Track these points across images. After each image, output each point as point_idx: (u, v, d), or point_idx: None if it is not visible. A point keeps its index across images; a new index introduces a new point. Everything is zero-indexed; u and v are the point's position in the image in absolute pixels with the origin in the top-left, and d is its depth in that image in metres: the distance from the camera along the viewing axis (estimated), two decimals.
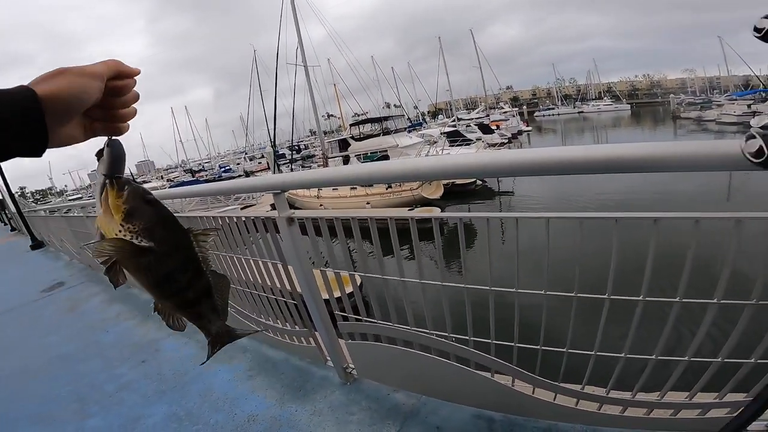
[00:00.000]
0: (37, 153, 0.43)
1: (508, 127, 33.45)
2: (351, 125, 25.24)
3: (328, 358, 1.95)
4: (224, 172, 41.78)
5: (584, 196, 13.11)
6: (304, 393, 1.87)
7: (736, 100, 31.80)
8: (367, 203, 15.16)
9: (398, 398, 1.70)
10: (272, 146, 25.16)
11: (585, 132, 45.07)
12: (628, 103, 64.15)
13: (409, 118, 33.56)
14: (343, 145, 20.55)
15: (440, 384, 1.60)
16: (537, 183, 14.90)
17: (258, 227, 1.78)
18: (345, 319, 1.73)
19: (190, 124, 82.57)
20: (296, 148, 34.56)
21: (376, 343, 1.69)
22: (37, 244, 7.68)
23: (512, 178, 16.82)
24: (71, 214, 4.56)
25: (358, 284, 1.82)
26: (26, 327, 3.64)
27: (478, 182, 16.64)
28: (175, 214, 0.72)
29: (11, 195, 9.24)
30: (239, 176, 32.55)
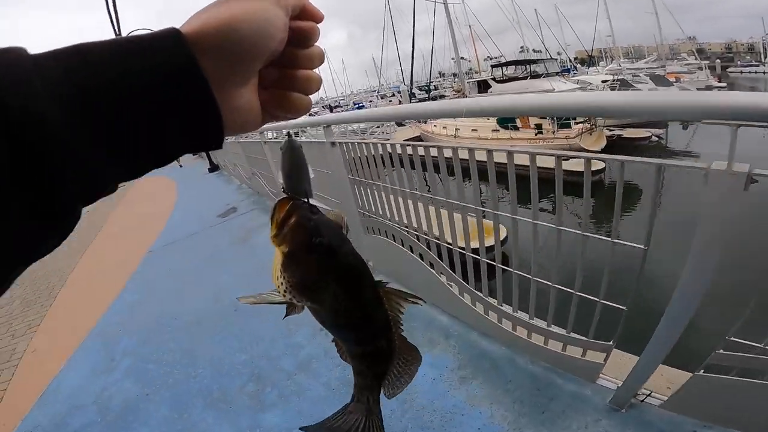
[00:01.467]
0: (207, 143, 0.26)
1: (693, 81, 27.18)
2: (493, 66, 23.91)
3: None
4: (358, 108, 43.03)
5: None
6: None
7: None
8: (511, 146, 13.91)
9: None
10: (410, 82, 25.20)
11: None
12: None
13: (561, 63, 30.02)
14: (483, 86, 19.13)
15: None
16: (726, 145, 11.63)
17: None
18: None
19: (328, 65, 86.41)
20: (425, 88, 34.64)
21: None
22: (213, 168, 8.63)
23: (690, 136, 14.35)
24: (247, 139, 4.63)
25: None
26: (205, 258, 3.74)
27: (654, 137, 14.06)
28: None
29: None
30: None
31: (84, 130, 0.20)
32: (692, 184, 0.93)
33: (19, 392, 2.37)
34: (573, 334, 1.36)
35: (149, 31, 0.23)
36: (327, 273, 0.37)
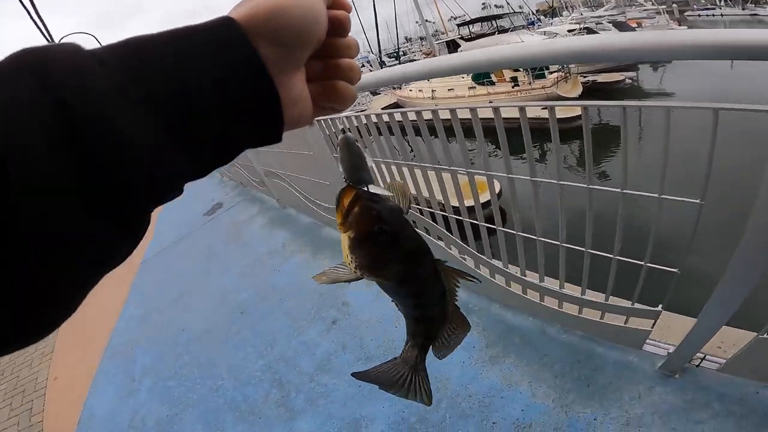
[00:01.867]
0: (268, 137, 0.26)
1: (654, 26, 27.94)
2: (459, 25, 23.90)
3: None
4: None
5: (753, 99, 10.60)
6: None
7: None
8: (490, 102, 13.92)
9: None
10: (378, 50, 25.15)
11: None
12: None
13: (526, 16, 30.32)
14: (453, 46, 19.00)
15: None
16: (696, 82, 12.50)
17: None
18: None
19: None
20: (395, 54, 35.16)
21: None
22: None
23: (660, 78, 14.79)
24: None
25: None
26: (201, 261, 3.56)
27: (627, 80, 14.47)
28: None
29: None
30: None
31: (151, 129, 0.20)
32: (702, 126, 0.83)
33: (55, 421, 2.33)
34: (612, 301, 1.29)
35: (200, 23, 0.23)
36: (390, 255, 0.40)
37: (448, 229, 1.77)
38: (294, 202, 3.42)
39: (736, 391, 1.13)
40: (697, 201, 0.93)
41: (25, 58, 0.18)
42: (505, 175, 1.30)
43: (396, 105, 19.31)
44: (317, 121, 2.08)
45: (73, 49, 0.19)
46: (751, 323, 1.10)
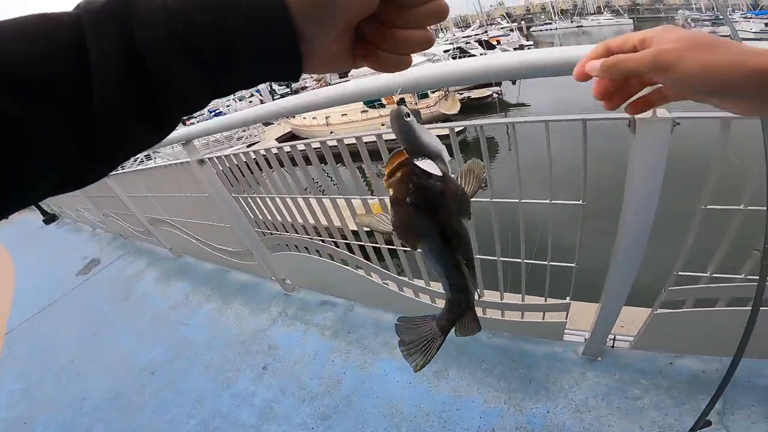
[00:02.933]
0: (291, 73, 0.28)
1: (509, 42, 33.78)
2: None
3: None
4: (215, 115, 39.71)
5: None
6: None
7: (751, 18, 31.52)
8: (382, 125, 15.04)
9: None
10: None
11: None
12: (630, 18, 62.74)
13: None
14: (343, 74, 19.61)
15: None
16: (544, 94, 15.35)
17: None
18: None
19: None
20: (285, 83, 32.82)
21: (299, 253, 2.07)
22: (49, 218, 6.86)
23: (518, 90, 17.66)
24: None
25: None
26: (84, 325, 3.02)
27: (494, 95, 16.82)
28: None
29: None
30: None
31: (191, 75, 0.25)
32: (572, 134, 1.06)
33: None
34: (528, 300, 1.49)
35: None
36: (416, 228, 0.44)
37: (365, 256, 1.82)
38: (190, 249, 3.15)
39: (653, 365, 1.35)
40: (580, 202, 1.13)
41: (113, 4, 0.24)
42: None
43: (291, 134, 19.37)
44: (208, 159, 1.97)
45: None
46: (645, 301, 1.36)
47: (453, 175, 0.45)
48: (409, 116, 0.40)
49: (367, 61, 0.32)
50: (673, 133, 0.86)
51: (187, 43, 0.24)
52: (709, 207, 0.98)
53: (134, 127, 0.25)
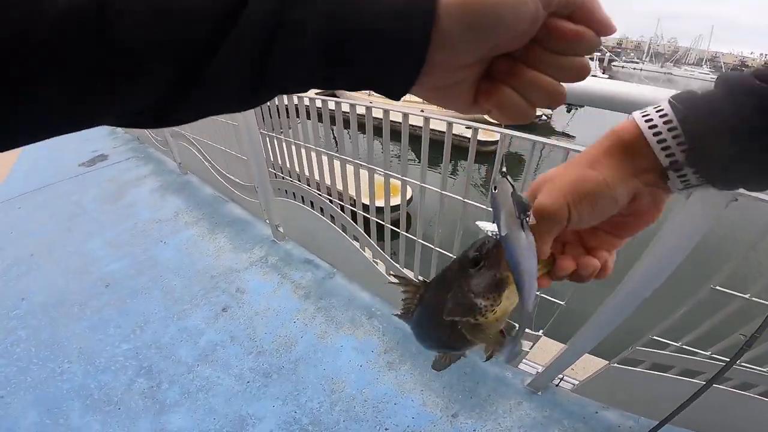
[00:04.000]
0: (392, 92, 0.27)
1: None
2: None
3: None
4: None
5: None
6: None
7: None
8: (422, 110, 14.78)
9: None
10: None
11: None
12: None
13: None
14: None
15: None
16: (593, 129, 14.69)
17: None
18: None
19: None
20: None
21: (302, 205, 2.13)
22: None
23: (569, 120, 17.95)
24: None
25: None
26: (62, 218, 3.07)
27: (544, 116, 16.67)
28: None
29: None
30: None
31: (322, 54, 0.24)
32: None
33: None
34: None
35: None
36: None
37: (365, 230, 1.85)
38: (198, 169, 3.22)
39: (581, 410, 1.42)
40: None
41: None
42: (419, 183, 1.43)
43: (332, 92, 19.37)
44: None
45: None
46: (600, 351, 1.37)
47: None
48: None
49: (488, 102, 0.29)
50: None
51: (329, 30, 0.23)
52: (717, 288, 0.95)
53: (234, 89, 0.24)
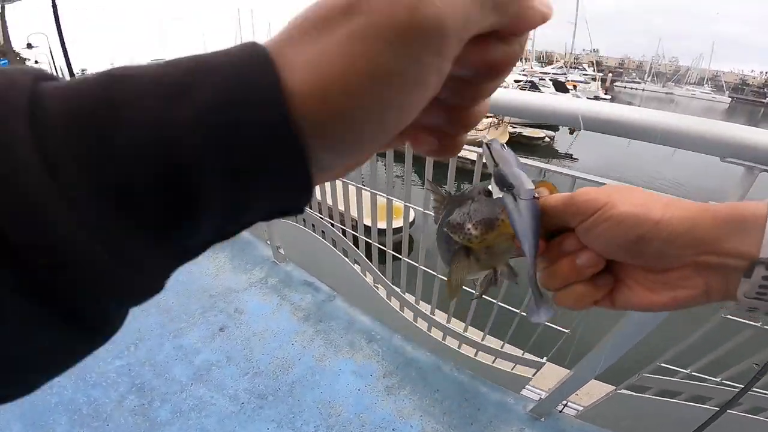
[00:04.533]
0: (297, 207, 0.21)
1: (585, 91, 33.65)
2: None
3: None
4: None
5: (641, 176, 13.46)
6: None
7: None
8: None
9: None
10: None
11: None
12: (729, 96, 60.97)
13: None
14: None
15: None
16: (596, 152, 15.89)
17: None
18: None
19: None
20: None
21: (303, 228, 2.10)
22: None
23: (572, 142, 17.84)
24: None
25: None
26: None
27: (547, 138, 16.70)
28: None
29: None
30: None
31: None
32: None
33: None
34: (507, 348, 1.48)
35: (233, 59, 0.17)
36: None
37: (367, 254, 1.85)
38: None
39: None
40: None
41: None
42: (421, 209, 1.44)
43: None
44: None
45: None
46: (606, 376, 1.34)
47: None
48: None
49: (407, 138, 0.25)
50: None
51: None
52: (729, 316, 0.96)
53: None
